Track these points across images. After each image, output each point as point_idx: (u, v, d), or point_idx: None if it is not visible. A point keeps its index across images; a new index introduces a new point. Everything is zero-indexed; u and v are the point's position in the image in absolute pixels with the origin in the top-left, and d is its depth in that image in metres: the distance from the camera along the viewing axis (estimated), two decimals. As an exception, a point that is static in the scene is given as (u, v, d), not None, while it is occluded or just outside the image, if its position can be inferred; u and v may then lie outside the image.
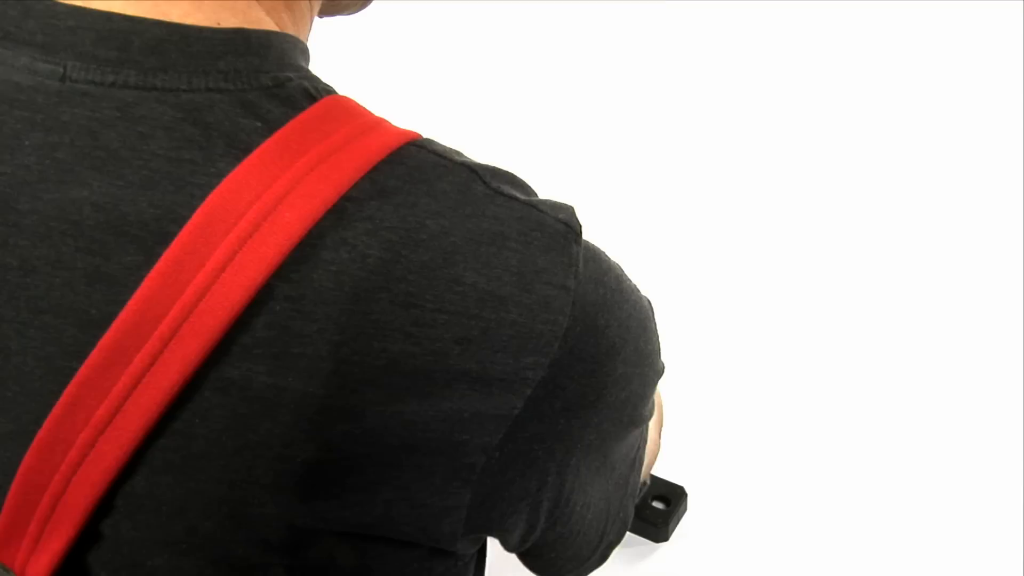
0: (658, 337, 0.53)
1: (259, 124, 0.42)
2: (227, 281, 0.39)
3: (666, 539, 0.95)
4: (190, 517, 0.42)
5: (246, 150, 0.41)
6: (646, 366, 0.51)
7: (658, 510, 0.96)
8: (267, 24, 0.46)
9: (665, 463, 0.99)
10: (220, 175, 0.41)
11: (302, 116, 0.43)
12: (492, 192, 0.44)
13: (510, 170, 0.47)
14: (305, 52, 0.49)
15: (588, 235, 0.47)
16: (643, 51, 1.74)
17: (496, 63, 1.74)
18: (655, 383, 0.55)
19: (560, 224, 0.45)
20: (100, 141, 0.41)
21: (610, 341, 0.47)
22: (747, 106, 1.60)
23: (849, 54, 1.67)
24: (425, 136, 0.46)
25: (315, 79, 0.46)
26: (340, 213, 0.41)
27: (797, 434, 1.05)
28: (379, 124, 0.45)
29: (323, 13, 0.56)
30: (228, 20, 0.44)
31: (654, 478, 0.97)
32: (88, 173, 0.41)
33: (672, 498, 0.96)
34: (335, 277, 0.40)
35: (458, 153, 0.46)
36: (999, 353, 1.13)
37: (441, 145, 0.46)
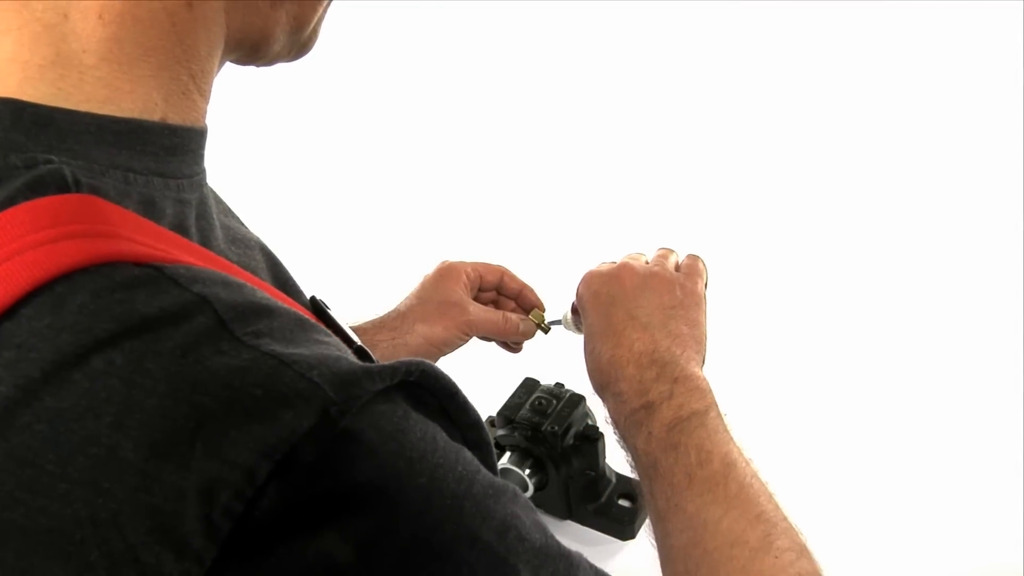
0: None
1: None
2: None
3: (632, 536, 0.95)
4: None
5: None
6: None
7: (625, 508, 0.95)
8: (99, 99, 0.40)
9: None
10: None
11: (24, 205, 0.36)
12: (229, 336, 0.36)
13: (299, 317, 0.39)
14: (138, 135, 0.41)
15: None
16: (643, 51, 1.74)
17: (496, 63, 1.75)
18: None
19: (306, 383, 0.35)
20: None
21: None
22: (746, 106, 1.59)
23: (849, 54, 1.66)
24: (184, 266, 0.38)
25: (107, 171, 0.40)
26: None
27: (794, 433, 1.04)
28: (112, 235, 0.37)
29: (253, 64, 0.51)
30: (32, 92, 0.39)
31: (620, 476, 0.97)
32: None
33: (638, 496, 0.96)
34: None
35: (224, 283, 0.38)
36: (999, 351, 1.12)
37: (194, 272, 0.38)
